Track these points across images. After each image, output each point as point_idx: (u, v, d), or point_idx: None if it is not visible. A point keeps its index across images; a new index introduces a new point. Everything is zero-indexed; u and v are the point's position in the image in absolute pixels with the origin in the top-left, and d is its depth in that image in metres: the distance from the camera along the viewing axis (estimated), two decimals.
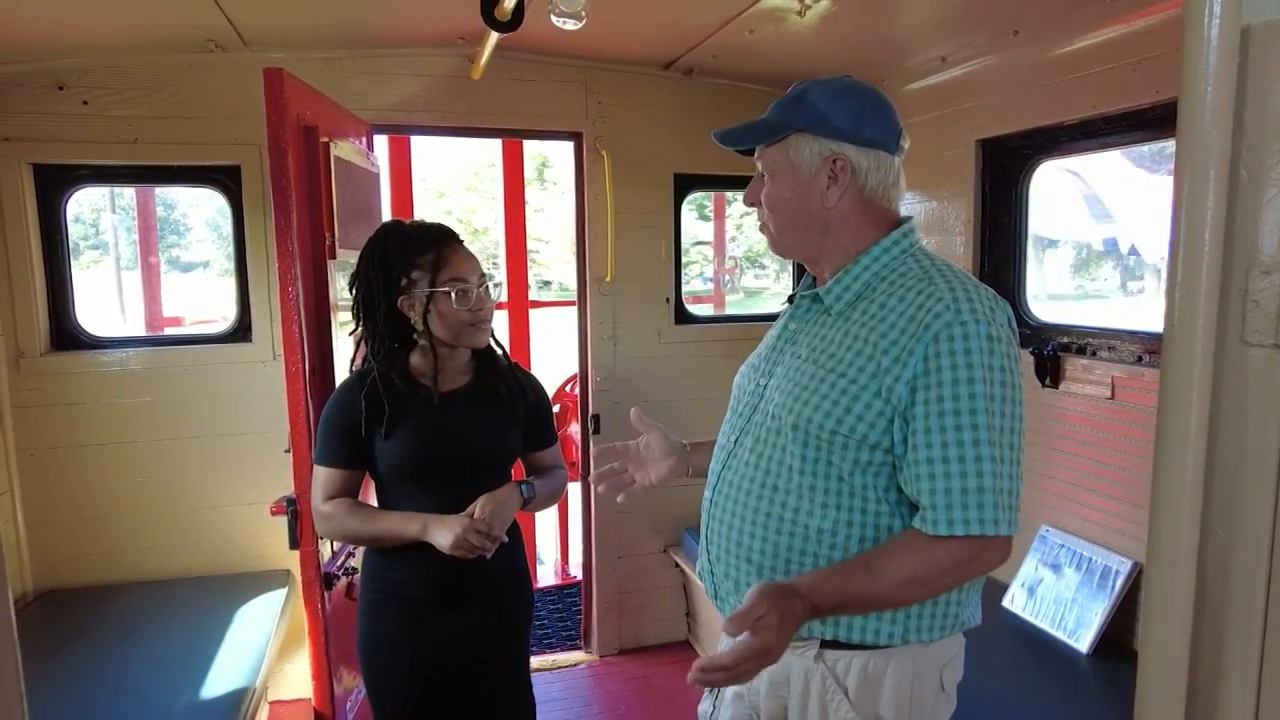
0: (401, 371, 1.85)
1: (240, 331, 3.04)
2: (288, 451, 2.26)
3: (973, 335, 1.20)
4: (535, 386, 2.02)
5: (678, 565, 3.60)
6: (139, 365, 2.95)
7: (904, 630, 1.31)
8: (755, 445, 1.36)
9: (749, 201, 1.42)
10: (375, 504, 1.91)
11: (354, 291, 1.87)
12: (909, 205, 3.30)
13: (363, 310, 1.85)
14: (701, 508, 1.49)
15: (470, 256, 1.86)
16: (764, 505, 1.33)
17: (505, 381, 1.93)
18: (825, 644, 1.33)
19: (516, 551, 1.96)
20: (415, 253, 1.81)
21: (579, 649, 3.69)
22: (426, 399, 1.83)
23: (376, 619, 1.90)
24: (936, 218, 3.02)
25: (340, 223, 2.40)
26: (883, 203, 1.36)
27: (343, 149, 2.44)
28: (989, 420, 1.19)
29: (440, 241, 1.83)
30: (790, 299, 1.48)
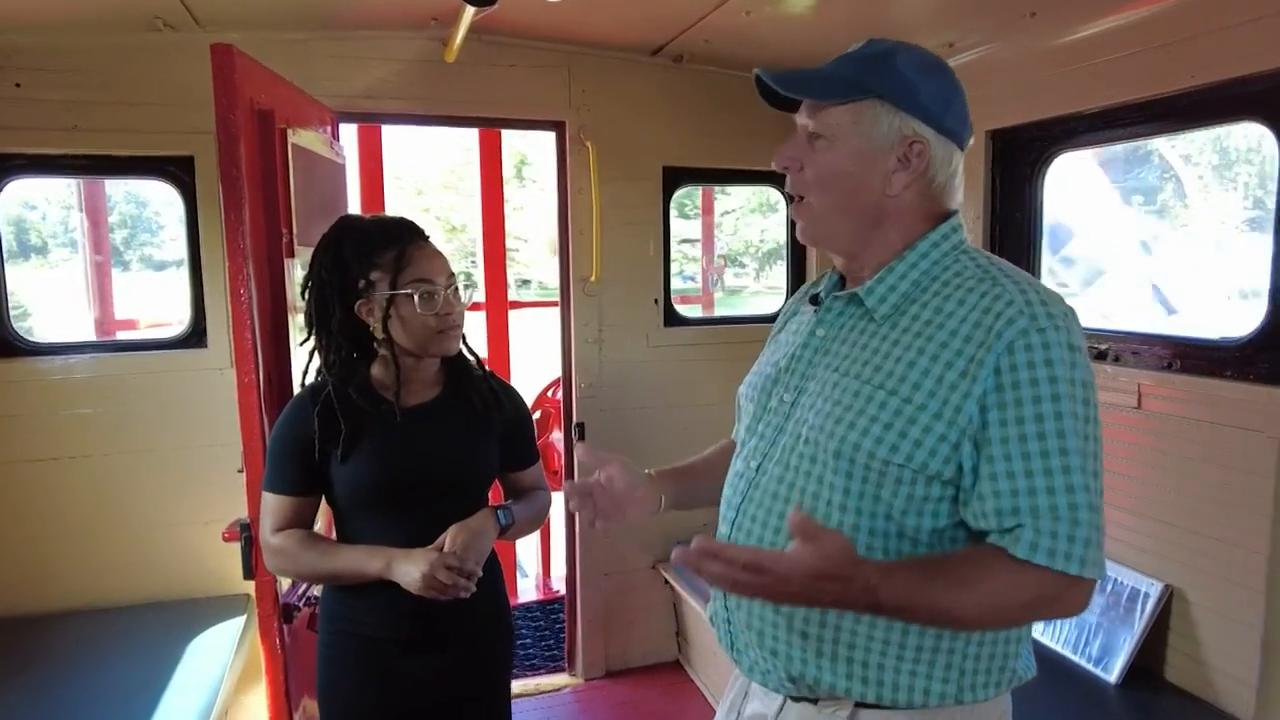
0: (361, 385, 1.64)
1: (194, 337, 2.81)
2: (241, 471, 2.04)
3: (1053, 344, 1.02)
4: (513, 397, 1.81)
5: (668, 582, 3.40)
6: (84, 373, 2.71)
7: (957, 689, 1.12)
8: (785, 475, 1.16)
9: (783, 164, 1.18)
10: (334, 535, 1.70)
11: (306, 296, 1.66)
12: None
13: (316, 316, 1.65)
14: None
15: (436, 254, 1.65)
16: None
17: (479, 393, 1.72)
18: (861, 705, 1.14)
19: (495, 584, 1.76)
20: (374, 251, 1.61)
21: (563, 671, 3.49)
22: (389, 415, 1.62)
23: (338, 663, 1.69)
24: None
25: (299, 218, 2.18)
26: (941, 199, 1.17)
27: (303, 137, 2.22)
28: (1079, 444, 1.01)
29: (402, 238, 1.62)
30: (813, 299, 1.28)
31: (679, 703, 3.23)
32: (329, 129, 2.65)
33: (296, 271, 2.18)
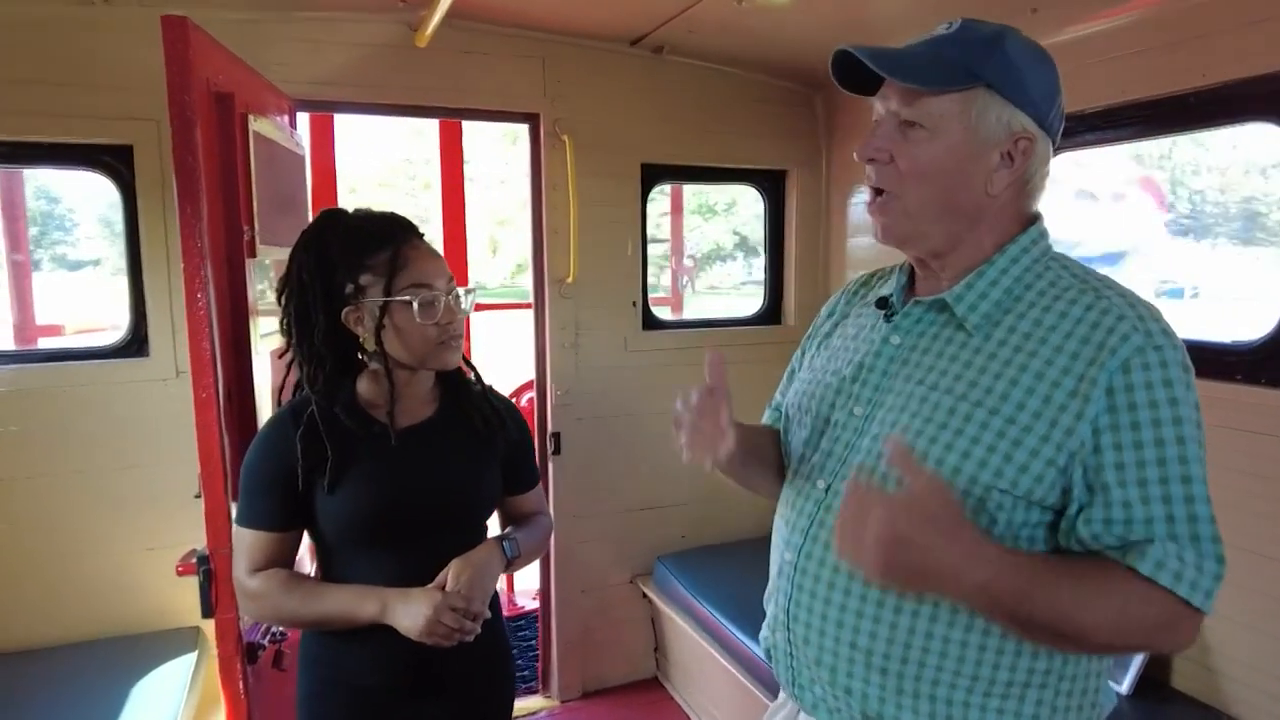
0: (348, 403, 1.45)
1: (134, 345, 2.53)
2: (198, 496, 1.82)
3: (1171, 363, 0.94)
4: (516, 416, 1.65)
5: (646, 596, 3.26)
6: (3, 386, 2.42)
7: None
8: None
9: (870, 156, 1.06)
10: (314, 571, 1.51)
11: (284, 301, 1.47)
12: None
13: (296, 326, 1.45)
14: (777, 571, 1.16)
15: (435, 255, 1.48)
16: None
17: (480, 411, 1.55)
18: None
19: (496, 622, 1.60)
20: (365, 251, 1.42)
21: (536, 693, 3.31)
22: (382, 437, 1.44)
23: (322, 714, 1.49)
24: None
25: (262, 214, 1.97)
26: (1030, 201, 1.08)
27: (264, 124, 2.00)
28: (1201, 471, 0.93)
29: (397, 237, 1.44)
30: (881, 303, 1.16)
31: None
32: (286, 118, 2.43)
33: (257, 273, 1.97)
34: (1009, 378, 0.98)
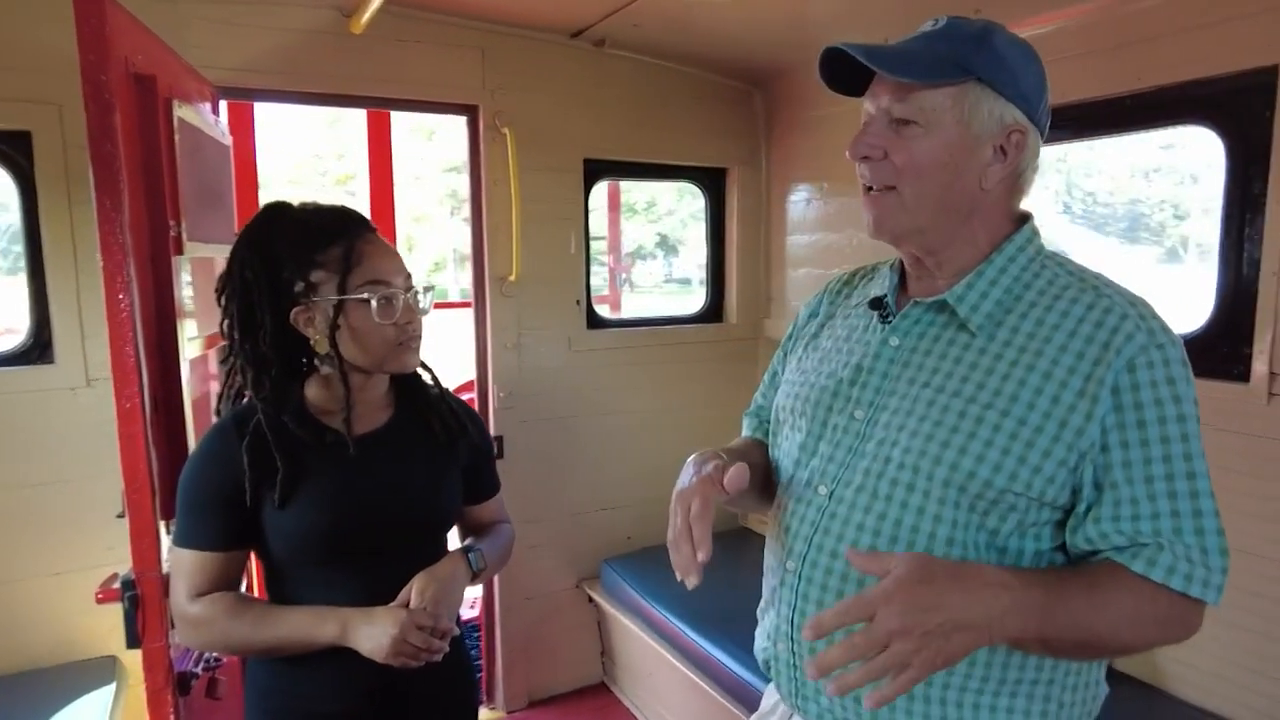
0: (297, 411, 1.35)
1: (36, 350, 2.32)
2: (121, 516, 1.66)
3: (1173, 361, 0.95)
4: (476, 420, 1.57)
5: (592, 600, 3.20)
6: None
7: None
8: (873, 504, 1.02)
9: (863, 153, 1.03)
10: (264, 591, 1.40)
11: (225, 301, 1.35)
12: (832, 207, 3.09)
13: (239, 328, 1.33)
14: (779, 580, 1.12)
15: (390, 251, 1.39)
16: None
17: (440, 416, 1.47)
18: None
19: (460, 637, 1.51)
20: (315, 247, 1.32)
21: (480, 704, 3.20)
22: (335, 446, 1.34)
23: None
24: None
25: (187, 208, 1.82)
26: (1020, 197, 1.09)
27: (189, 112, 1.85)
28: (1204, 466, 0.95)
29: (349, 231, 1.35)
30: (876, 303, 1.14)
31: None
32: (210, 106, 2.27)
33: (185, 272, 1.82)
34: (1017, 379, 0.98)
